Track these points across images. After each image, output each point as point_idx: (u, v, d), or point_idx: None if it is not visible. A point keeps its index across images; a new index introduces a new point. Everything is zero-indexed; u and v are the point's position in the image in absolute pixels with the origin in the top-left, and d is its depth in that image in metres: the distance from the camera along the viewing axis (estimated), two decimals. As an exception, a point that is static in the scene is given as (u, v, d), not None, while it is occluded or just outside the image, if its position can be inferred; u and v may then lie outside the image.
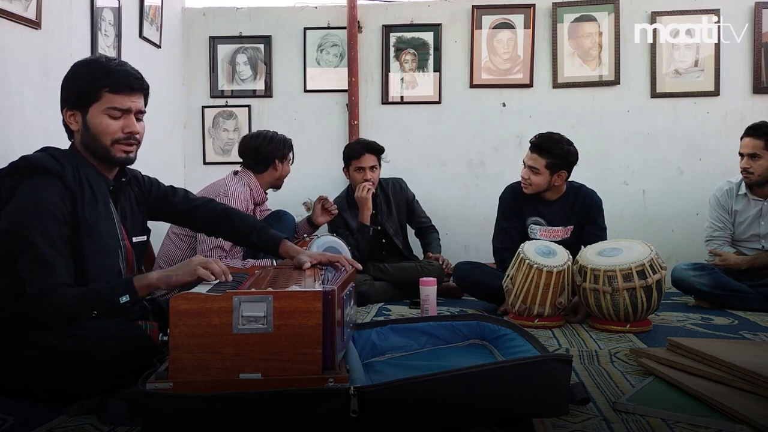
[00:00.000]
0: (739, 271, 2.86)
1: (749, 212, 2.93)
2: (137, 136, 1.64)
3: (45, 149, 1.61)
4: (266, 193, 2.83)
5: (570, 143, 2.76)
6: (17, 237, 1.46)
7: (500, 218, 2.93)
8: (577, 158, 2.78)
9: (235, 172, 2.76)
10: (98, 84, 1.57)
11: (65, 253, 1.49)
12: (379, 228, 3.18)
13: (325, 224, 3.10)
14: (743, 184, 2.95)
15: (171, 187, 1.93)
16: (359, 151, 3.11)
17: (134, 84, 1.61)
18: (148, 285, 1.52)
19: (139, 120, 1.64)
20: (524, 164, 2.79)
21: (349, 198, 3.22)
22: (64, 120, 1.64)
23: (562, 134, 2.79)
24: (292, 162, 2.84)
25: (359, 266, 1.76)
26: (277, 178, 2.79)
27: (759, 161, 2.82)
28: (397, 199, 3.29)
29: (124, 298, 1.48)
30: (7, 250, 1.47)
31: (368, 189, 3.08)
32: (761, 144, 2.81)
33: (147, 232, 1.85)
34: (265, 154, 2.73)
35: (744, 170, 2.87)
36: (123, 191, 1.73)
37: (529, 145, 2.79)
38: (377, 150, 3.15)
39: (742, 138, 2.92)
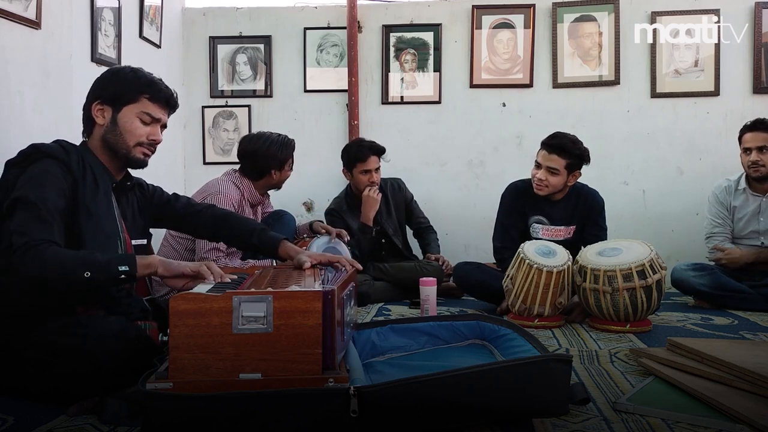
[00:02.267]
0: (740, 270, 2.85)
1: (748, 208, 2.93)
2: (158, 144, 1.74)
3: (56, 141, 1.64)
4: (265, 195, 2.80)
5: (582, 143, 2.75)
6: (19, 202, 1.45)
7: (502, 216, 2.92)
8: (590, 158, 2.77)
9: (234, 171, 2.73)
10: (140, 89, 1.67)
11: (60, 223, 1.49)
12: (378, 228, 3.18)
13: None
14: (742, 180, 2.96)
15: (174, 194, 1.97)
16: (366, 154, 3.09)
17: (171, 101, 1.74)
18: (148, 264, 1.51)
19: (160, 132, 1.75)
20: (538, 166, 2.74)
21: (348, 199, 3.22)
22: (89, 113, 1.68)
23: (575, 135, 2.78)
24: (292, 166, 2.78)
25: (359, 266, 1.76)
26: (275, 184, 2.75)
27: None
28: (395, 200, 3.29)
29: (123, 267, 1.45)
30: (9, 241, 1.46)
31: (375, 189, 3.08)
32: None
33: (148, 236, 1.86)
34: (261, 162, 2.66)
35: (754, 164, 2.84)
36: (125, 193, 1.76)
37: (544, 146, 2.74)
38: (380, 151, 3.15)
39: (744, 133, 2.90)
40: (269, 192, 3.00)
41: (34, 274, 1.41)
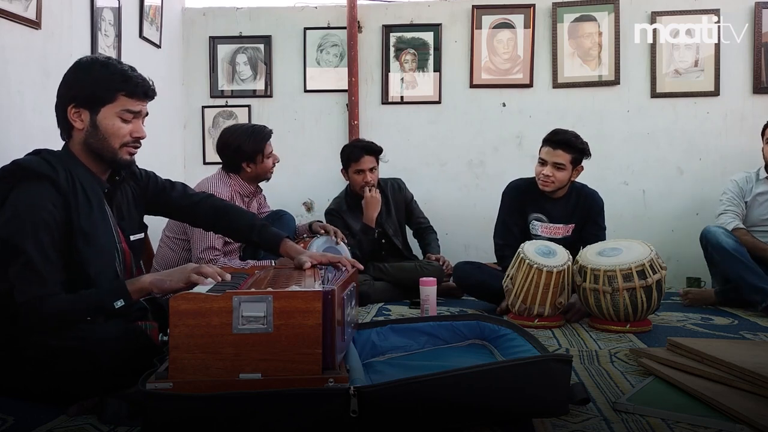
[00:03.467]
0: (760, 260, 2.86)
1: None
2: (142, 140, 1.67)
3: (37, 152, 1.59)
4: (257, 187, 2.73)
5: (582, 138, 2.80)
6: (9, 245, 1.44)
7: (503, 214, 2.93)
8: (590, 152, 2.81)
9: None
10: (116, 87, 1.58)
11: (56, 262, 1.48)
12: (378, 229, 3.18)
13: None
14: (762, 171, 3.04)
15: (169, 181, 1.91)
16: (358, 154, 3.09)
17: (149, 92, 1.65)
18: (141, 289, 1.52)
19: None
20: (543, 162, 2.77)
21: (348, 199, 3.22)
22: (65, 117, 1.60)
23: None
24: (270, 155, 2.64)
25: (360, 266, 1.75)
26: (256, 176, 2.66)
27: None
28: (396, 200, 3.29)
29: (119, 303, 1.47)
30: (1, 257, 1.46)
31: (375, 189, 3.06)
32: None
33: (144, 228, 1.83)
34: (231, 156, 2.59)
35: None
36: (118, 189, 1.72)
37: (548, 142, 2.77)
38: (376, 151, 3.14)
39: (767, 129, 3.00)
40: (266, 192, 2.99)
41: (38, 331, 1.44)
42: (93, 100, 1.58)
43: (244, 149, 2.57)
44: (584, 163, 2.83)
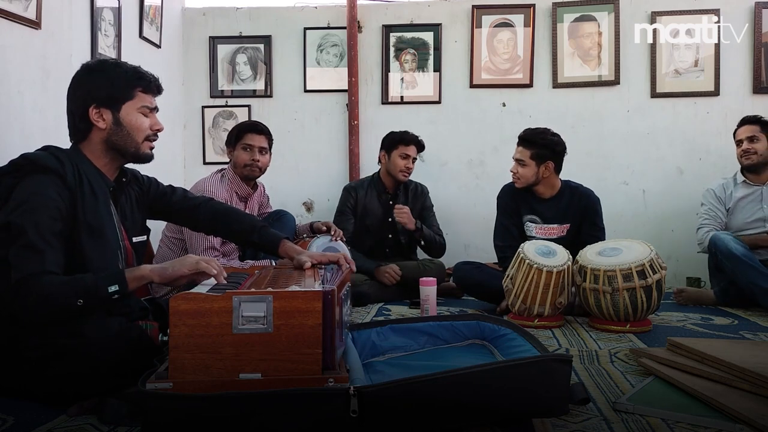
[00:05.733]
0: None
1: (750, 197, 3.02)
2: (160, 132, 1.75)
3: (46, 148, 1.61)
4: (253, 186, 2.77)
5: (555, 134, 2.81)
6: (11, 229, 1.44)
7: (500, 217, 2.94)
8: (563, 148, 2.81)
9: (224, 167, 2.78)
10: (133, 84, 1.66)
11: (56, 245, 1.46)
12: (390, 219, 3.18)
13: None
14: (739, 174, 3.06)
15: (170, 186, 1.95)
16: (410, 140, 3.17)
17: (160, 88, 1.75)
18: (140, 277, 1.49)
19: None
20: (514, 160, 2.84)
21: (373, 183, 3.24)
22: (86, 118, 1.62)
23: (549, 128, 2.84)
24: (250, 149, 2.69)
25: (354, 268, 1.78)
26: (235, 167, 2.70)
27: (758, 143, 2.99)
28: (414, 201, 3.29)
29: (113, 288, 1.44)
30: (5, 249, 1.46)
31: (402, 213, 3.07)
32: (758, 128, 3.00)
33: (147, 231, 1.85)
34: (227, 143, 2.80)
35: (745, 152, 3.00)
36: (123, 191, 1.74)
37: (517, 140, 2.84)
38: (422, 145, 3.22)
39: (736, 130, 3.07)
40: (269, 193, 2.99)
41: (30, 312, 1.41)
42: (114, 98, 1.64)
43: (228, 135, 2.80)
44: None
